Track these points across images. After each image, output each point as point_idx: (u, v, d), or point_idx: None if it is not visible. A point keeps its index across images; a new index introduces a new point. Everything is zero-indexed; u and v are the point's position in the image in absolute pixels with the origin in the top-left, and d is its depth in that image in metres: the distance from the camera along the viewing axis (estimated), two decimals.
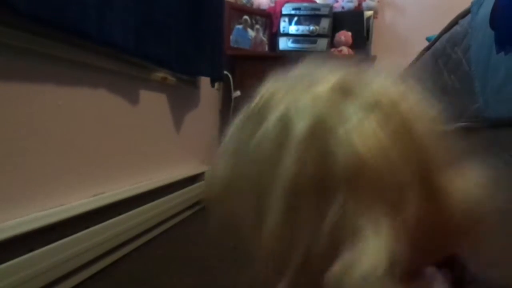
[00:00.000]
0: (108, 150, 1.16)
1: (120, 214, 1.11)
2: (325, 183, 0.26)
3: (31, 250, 0.77)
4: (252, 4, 2.47)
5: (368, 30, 2.36)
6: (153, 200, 1.32)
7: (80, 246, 0.91)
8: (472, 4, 0.89)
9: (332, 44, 2.30)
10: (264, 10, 2.47)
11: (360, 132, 0.25)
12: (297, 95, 0.28)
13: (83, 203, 0.97)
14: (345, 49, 2.25)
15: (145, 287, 0.98)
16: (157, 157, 1.52)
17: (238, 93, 2.25)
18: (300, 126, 0.26)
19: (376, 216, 0.24)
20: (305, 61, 0.32)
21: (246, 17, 2.40)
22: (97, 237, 0.98)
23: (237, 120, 0.32)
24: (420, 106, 0.28)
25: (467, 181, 0.28)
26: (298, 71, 0.32)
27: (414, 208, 0.25)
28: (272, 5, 2.47)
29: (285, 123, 0.27)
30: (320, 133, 0.26)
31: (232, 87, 2.27)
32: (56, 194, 0.92)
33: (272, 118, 0.28)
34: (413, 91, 0.29)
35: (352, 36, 2.29)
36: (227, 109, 2.31)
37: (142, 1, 1.19)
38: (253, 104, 0.31)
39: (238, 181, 0.30)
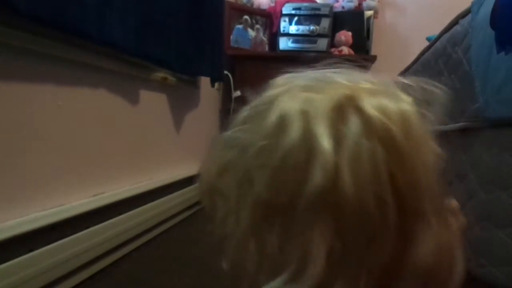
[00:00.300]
0: (108, 150, 1.16)
1: (120, 214, 1.11)
2: (295, 205, 0.25)
3: (31, 250, 0.77)
4: (252, 4, 2.47)
5: (368, 30, 2.36)
6: (153, 200, 1.32)
7: (80, 246, 0.91)
8: (473, 3, 0.89)
9: (332, 44, 2.30)
10: (264, 10, 2.47)
11: (346, 161, 0.24)
12: (299, 101, 0.27)
13: (83, 203, 0.97)
14: (345, 49, 2.25)
15: (145, 287, 0.98)
16: (157, 157, 1.52)
17: (238, 93, 2.25)
18: (288, 140, 0.25)
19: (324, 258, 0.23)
20: (318, 64, 0.31)
21: (246, 17, 2.39)
22: (97, 237, 0.98)
23: (241, 115, 0.32)
24: (420, 142, 0.26)
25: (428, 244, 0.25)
26: (311, 73, 0.31)
27: (382, 254, 0.24)
28: (272, 5, 2.47)
29: (278, 130, 0.26)
30: (306, 151, 0.25)
31: (232, 87, 2.27)
32: (56, 194, 0.92)
33: (269, 121, 0.27)
34: (418, 117, 0.27)
35: (352, 36, 2.29)
36: (227, 109, 2.31)
37: (142, 1, 1.19)
38: (258, 102, 0.31)
39: (224, 177, 0.30)
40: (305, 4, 2.31)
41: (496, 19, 0.75)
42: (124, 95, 1.24)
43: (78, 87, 1.01)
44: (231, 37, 2.34)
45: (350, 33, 2.28)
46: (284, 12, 2.32)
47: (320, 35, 2.25)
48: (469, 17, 0.90)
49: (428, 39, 1.72)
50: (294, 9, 2.30)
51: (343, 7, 2.43)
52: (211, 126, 2.24)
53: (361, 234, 0.24)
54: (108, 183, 1.14)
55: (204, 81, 1.94)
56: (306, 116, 0.25)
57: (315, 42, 2.26)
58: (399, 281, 0.25)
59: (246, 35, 2.40)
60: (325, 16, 2.26)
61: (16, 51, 0.79)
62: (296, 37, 2.28)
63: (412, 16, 2.59)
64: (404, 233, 0.24)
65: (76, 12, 0.86)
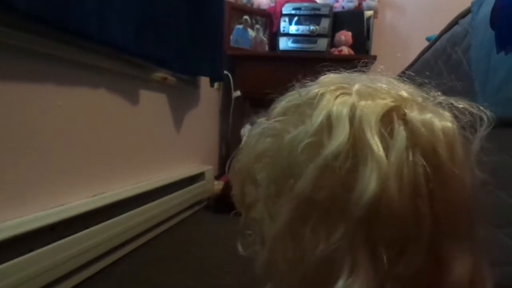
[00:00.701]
0: (108, 150, 1.16)
1: (120, 214, 1.11)
2: (333, 209, 0.25)
3: (31, 250, 0.77)
4: (252, 4, 2.47)
5: (368, 30, 2.36)
6: (153, 200, 1.32)
7: (80, 246, 0.91)
8: (472, 4, 0.89)
9: (332, 44, 2.30)
10: (264, 10, 2.47)
11: (393, 172, 0.24)
12: (347, 104, 0.27)
13: (83, 203, 0.97)
14: (345, 49, 2.25)
15: (145, 287, 0.98)
16: (157, 157, 1.52)
17: (238, 93, 2.25)
18: (332, 145, 0.25)
19: (363, 263, 0.24)
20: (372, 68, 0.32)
21: (246, 17, 2.39)
22: (97, 237, 0.98)
23: (279, 106, 0.32)
24: (461, 163, 0.26)
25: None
26: (356, 77, 0.31)
27: (410, 266, 0.24)
28: (272, 5, 2.47)
29: (326, 130, 0.26)
30: (352, 156, 0.25)
31: (232, 87, 2.27)
32: (56, 194, 0.92)
33: (316, 119, 0.27)
34: (460, 137, 0.27)
35: (352, 36, 2.29)
36: (227, 109, 2.31)
37: (142, 1, 1.19)
38: (299, 96, 0.31)
39: (260, 165, 0.30)
40: (305, 4, 2.31)
41: (496, 19, 0.75)
42: (124, 95, 1.24)
43: (78, 87, 1.01)
44: (231, 37, 2.34)
45: (350, 33, 2.28)
46: (284, 12, 2.32)
47: (320, 35, 2.25)
48: (469, 17, 0.90)
49: (428, 39, 1.71)
50: (294, 9, 2.30)
51: (343, 7, 2.43)
52: (211, 126, 2.24)
53: (394, 244, 0.24)
54: (108, 183, 1.14)
55: (204, 81, 1.94)
56: (355, 121, 0.26)
57: (315, 42, 2.25)
58: None
59: (246, 35, 2.40)
60: (325, 16, 2.26)
61: (16, 51, 0.79)
62: (296, 37, 2.28)
63: (412, 16, 2.59)
64: (435, 251, 0.24)
65: (76, 12, 0.86)
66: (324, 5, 2.32)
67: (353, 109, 0.26)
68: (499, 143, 0.72)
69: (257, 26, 2.44)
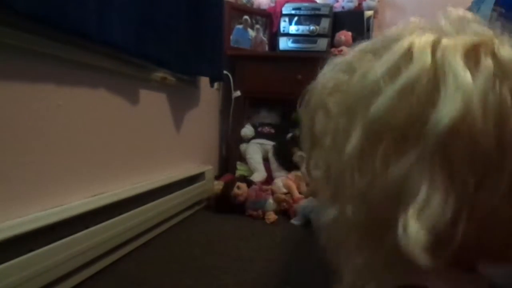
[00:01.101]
0: (108, 150, 1.16)
1: (120, 214, 1.11)
2: (410, 132, 0.24)
3: (31, 250, 0.77)
4: (252, 4, 2.47)
5: (368, 30, 2.36)
6: (153, 200, 1.32)
7: (80, 246, 0.91)
8: (472, 3, 0.89)
9: (332, 44, 2.29)
10: (264, 10, 2.47)
11: (478, 97, 0.23)
12: (431, 37, 0.27)
13: (83, 203, 0.97)
14: (345, 49, 2.25)
15: (145, 287, 0.98)
16: (157, 157, 1.52)
17: (238, 93, 2.25)
18: (413, 68, 0.25)
19: (442, 185, 0.23)
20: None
21: (246, 17, 2.39)
22: (97, 237, 0.98)
23: (359, 46, 0.32)
24: None
25: None
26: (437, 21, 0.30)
27: (487, 195, 0.24)
28: (272, 5, 2.47)
29: (403, 60, 0.26)
30: (434, 80, 0.24)
31: (232, 87, 2.27)
32: (56, 194, 0.92)
33: (396, 49, 0.27)
34: None
35: (352, 36, 2.28)
36: (227, 109, 2.31)
37: (141, 1, 1.19)
38: (378, 38, 0.31)
39: (334, 97, 0.30)
40: (305, 4, 2.31)
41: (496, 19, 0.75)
42: (124, 95, 1.24)
43: (78, 87, 1.01)
44: (231, 37, 2.34)
45: (350, 33, 2.28)
46: (284, 12, 2.32)
47: (320, 35, 2.25)
48: None
49: None
50: (294, 9, 2.30)
51: (343, 7, 2.43)
52: (211, 126, 2.24)
53: (475, 170, 0.23)
54: (108, 183, 1.14)
55: (204, 81, 1.94)
56: (438, 52, 0.25)
57: (315, 42, 2.25)
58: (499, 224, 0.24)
59: (246, 35, 2.40)
60: (325, 16, 2.26)
61: (16, 51, 0.79)
62: (296, 37, 2.28)
63: (412, 16, 2.59)
64: None
65: (75, 12, 0.86)
66: (324, 5, 2.32)
67: (435, 43, 0.26)
68: None
69: (257, 26, 2.44)
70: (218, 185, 1.87)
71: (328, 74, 0.32)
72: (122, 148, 1.24)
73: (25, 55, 0.82)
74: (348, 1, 2.42)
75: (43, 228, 0.81)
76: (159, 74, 1.46)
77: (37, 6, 0.76)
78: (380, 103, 0.25)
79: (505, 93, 0.24)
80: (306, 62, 2.24)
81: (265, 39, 2.46)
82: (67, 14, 0.84)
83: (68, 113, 0.96)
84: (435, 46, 0.26)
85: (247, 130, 2.29)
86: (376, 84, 0.26)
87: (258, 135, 2.28)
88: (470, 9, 0.91)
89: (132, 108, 1.30)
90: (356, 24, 2.32)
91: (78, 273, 0.93)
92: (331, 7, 2.31)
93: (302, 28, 2.27)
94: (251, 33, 2.42)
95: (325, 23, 2.25)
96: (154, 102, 1.47)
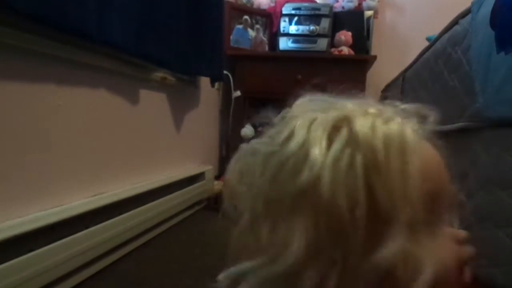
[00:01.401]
0: (108, 150, 1.16)
1: (120, 214, 1.11)
2: (285, 200, 0.28)
3: (31, 250, 0.77)
4: (252, 4, 2.47)
5: (368, 30, 2.36)
6: (153, 200, 1.32)
7: (80, 246, 0.91)
8: (473, 3, 0.89)
9: (332, 44, 2.29)
10: (264, 10, 2.47)
11: (328, 164, 0.27)
12: (308, 119, 0.31)
13: (83, 203, 0.97)
14: (345, 49, 2.25)
15: (145, 287, 0.98)
16: (157, 157, 1.52)
17: (238, 93, 2.25)
18: (290, 146, 0.30)
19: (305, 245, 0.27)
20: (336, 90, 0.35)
21: (246, 17, 2.39)
22: (97, 237, 0.98)
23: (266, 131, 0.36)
24: (403, 158, 0.28)
25: None
26: (324, 98, 0.34)
27: (344, 253, 0.27)
28: (272, 5, 2.46)
29: (287, 140, 0.30)
30: (303, 156, 0.29)
31: (232, 87, 2.27)
32: (56, 194, 0.92)
33: (282, 134, 0.31)
34: (406, 137, 0.29)
35: (352, 36, 2.28)
36: (227, 109, 2.31)
37: (142, 1, 1.19)
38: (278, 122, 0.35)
39: (242, 183, 0.34)
40: (305, 4, 2.30)
41: (496, 19, 0.75)
42: (124, 95, 1.24)
43: (78, 87, 1.01)
44: (231, 37, 2.34)
45: (350, 33, 2.28)
46: (284, 12, 2.32)
47: (320, 35, 2.25)
48: (469, 17, 0.91)
49: (428, 39, 1.72)
50: (294, 9, 2.30)
51: (343, 7, 2.43)
52: (211, 126, 2.24)
53: (333, 230, 0.27)
54: (108, 183, 1.14)
55: (204, 81, 1.94)
56: (308, 130, 0.30)
57: (315, 42, 2.25)
58: (359, 278, 0.27)
59: (246, 35, 2.40)
60: (325, 16, 2.26)
61: (16, 51, 0.79)
62: (296, 37, 2.28)
63: (412, 16, 2.59)
64: (373, 235, 0.27)
65: (76, 12, 0.86)
66: (324, 5, 2.32)
67: (310, 121, 0.30)
68: (499, 143, 0.72)
69: (257, 26, 2.44)
70: (218, 185, 1.87)
71: (236, 163, 0.35)
72: (122, 148, 1.24)
73: (25, 55, 0.82)
74: (348, 1, 2.42)
75: (43, 228, 0.81)
76: (159, 74, 1.46)
77: (37, 6, 0.76)
78: (262, 181, 0.30)
79: (354, 156, 0.27)
80: (306, 62, 2.24)
81: (265, 39, 2.46)
82: (67, 14, 0.84)
83: (68, 113, 0.96)
84: (310, 124, 0.30)
85: (247, 130, 2.29)
86: (263, 164, 0.31)
87: (258, 135, 2.28)
88: (470, 10, 0.91)
89: (132, 108, 1.30)
90: (356, 24, 2.32)
91: (78, 273, 0.93)
92: (331, 7, 2.30)
93: (302, 28, 2.27)
94: (251, 33, 2.42)
95: (325, 23, 2.25)
96: (154, 102, 1.47)
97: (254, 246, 0.30)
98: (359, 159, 0.27)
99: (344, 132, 0.29)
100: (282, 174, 0.29)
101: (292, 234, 0.27)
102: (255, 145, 0.34)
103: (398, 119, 0.30)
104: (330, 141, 0.28)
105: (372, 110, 0.31)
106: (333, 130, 0.29)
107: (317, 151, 0.28)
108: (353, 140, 0.28)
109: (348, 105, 0.32)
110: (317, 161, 0.27)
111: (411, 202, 0.27)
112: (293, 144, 0.29)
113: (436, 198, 0.30)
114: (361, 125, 0.29)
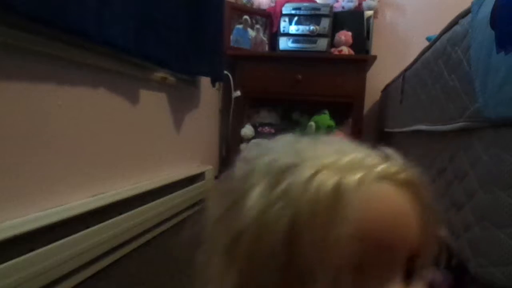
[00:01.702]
0: (108, 150, 1.16)
1: (120, 214, 1.11)
2: (231, 250, 0.30)
3: (31, 250, 0.77)
4: (252, 4, 2.47)
5: (368, 30, 2.36)
6: (153, 200, 1.32)
7: (80, 246, 0.91)
8: (473, 3, 0.89)
9: (332, 44, 2.29)
10: (264, 10, 2.47)
11: (255, 216, 0.27)
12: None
13: (83, 203, 0.97)
14: (345, 49, 2.25)
15: (145, 287, 0.98)
16: (157, 157, 1.52)
17: (238, 93, 2.25)
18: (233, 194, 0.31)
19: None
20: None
21: (246, 17, 2.39)
22: (97, 237, 0.98)
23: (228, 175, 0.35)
24: (336, 215, 0.26)
25: None
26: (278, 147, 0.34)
27: None
28: (272, 5, 2.46)
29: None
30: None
31: (232, 87, 2.27)
32: (56, 194, 0.92)
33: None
34: (352, 192, 0.27)
35: (352, 36, 2.28)
36: (227, 109, 2.31)
37: (142, 1, 1.19)
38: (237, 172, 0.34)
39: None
40: (305, 4, 2.30)
41: (496, 19, 0.75)
42: (124, 95, 1.24)
43: (78, 87, 1.01)
44: (231, 37, 2.34)
45: (350, 33, 2.28)
46: (284, 12, 2.32)
47: (320, 35, 2.25)
48: (469, 17, 0.90)
49: (428, 39, 1.72)
50: (294, 9, 2.30)
51: (343, 7, 2.43)
52: (211, 126, 2.24)
53: (257, 277, 0.27)
54: (108, 183, 1.14)
55: (204, 81, 1.94)
56: (253, 179, 0.30)
57: (315, 42, 2.25)
58: None
59: (246, 35, 2.40)
60: (325, 16, 2.26)
61: (16, 51, 0.79)
62: (296, 37, 2.28)
63: (412, 16, 2.59)
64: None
65: (75, 11, 0.86)
66: (324, 5, 2.32)
67: (265, 164, 0.30)
68: (499, 143, 0.72)
69: (257, 26, 2.44)
70: None
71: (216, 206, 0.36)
72: (122, 148, 1.24)
73: (25, 55, 0.82)
74: (348, 1, 2.42)
75: (43, 228, 0.81)
76: (159, 74, 1.46)
77: (37, 6, 0.76)
78: (213, 217, 0.34)
79: (282, 209, 0.27)
80: (306, 62, 2.24)
81: (265, 39, 2.46)
82: (67, 14, 0.84)
83: (68, 113, 0.96)
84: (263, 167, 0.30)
85: (247, 130, 2.29)
86: (219, 201, 0.34)
87: (258, 135, 2.28)
88: (470, 10, 0.91)
89: (132, 108, 1.30)
90: (356, 24, 2.32)
91: (78, 273, 0.93)
92: (331, 7, 2.30)
93: (302, 28, 2.27)
94: (251, 33, 2.42)
95: (325, 23, 2.25)
96: (154, 102, 1.47)
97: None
98: (286, 210, 0.26)
99: (281, 185, 0.28)
100: (227, 214, 0.31)
101: (226, 273, 0.29)
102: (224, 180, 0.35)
103: (361, 171, 0.27)
104: (271, 189, 0.28)
105: (332, 158, 0.28)
106: (276, 180, 0.28)
107: (248, 202, 0.28)
108: (285, 192, 0.27)
109: (315, 152, 0.30)
110: (249, 212, 0.28)
111: (331, 267, 0.25)
112: (233, 195, 0.31)
113: (378, 256, 0.26)
114: (303, 177, 0.27)
